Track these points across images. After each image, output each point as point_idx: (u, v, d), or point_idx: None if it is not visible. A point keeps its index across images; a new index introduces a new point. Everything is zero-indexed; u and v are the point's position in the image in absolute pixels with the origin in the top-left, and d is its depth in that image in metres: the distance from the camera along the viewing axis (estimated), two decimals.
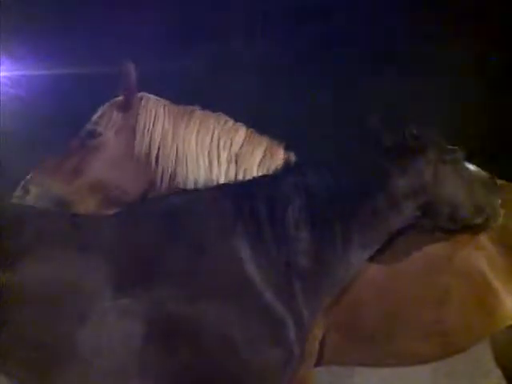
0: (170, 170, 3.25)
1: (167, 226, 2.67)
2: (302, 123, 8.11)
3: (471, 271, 3.33)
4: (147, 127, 3.26)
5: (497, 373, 3.90)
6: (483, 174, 3.18)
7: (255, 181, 2.99)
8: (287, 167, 2.95)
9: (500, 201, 3.15)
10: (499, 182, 3.75)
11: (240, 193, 2.77)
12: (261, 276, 2.59)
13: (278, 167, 3.01)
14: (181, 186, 3.23)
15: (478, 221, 3.09)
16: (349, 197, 2.78)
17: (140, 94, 3.36)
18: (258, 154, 3.32)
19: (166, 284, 2.53)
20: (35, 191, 3.17)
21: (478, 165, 3.21)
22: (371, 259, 3.07)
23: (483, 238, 3.36)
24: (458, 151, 3.09)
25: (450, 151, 3.05)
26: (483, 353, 4.24)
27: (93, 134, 3.26)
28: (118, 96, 3.39)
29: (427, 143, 2.98)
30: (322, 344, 3.20)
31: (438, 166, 2.97)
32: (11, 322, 2.42)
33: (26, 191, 3.17)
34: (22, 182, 3.21)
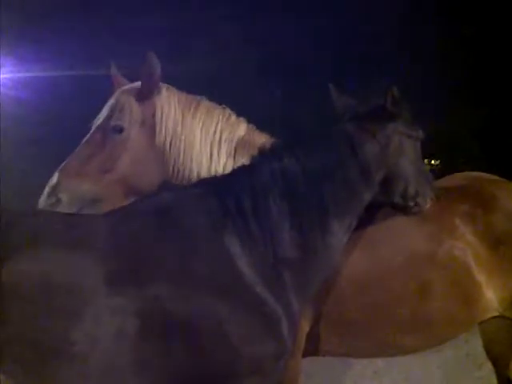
0: (179, 160, 3.27)
1: (159, 225, 2.68)
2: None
3: (454, 264, 3.38)
4: (164, 117, 3.27)
5: (489, 365, 3.93)
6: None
7: (235, 173, 2.96)
8: (262, 154, 2.93)
9: (432, 193, 3.12)
10: (493, 177, 3.79)
11: (224, 188, 2.78)
12: (252, 271, 2.61)
13: (253, 154, 2.97)
14: (186, 176, 3.25)
15: (409, 204, 3.05)
16: (322, 174, 2.78)
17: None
18: (256, 150, 3.31)
19: (160, 282, 2.54)
20: (66, 198, 3.14)
21: None
22: (353, 254, 3.14)
23: (468, 232, 3.42)
24: (420, 131, 3.07)
25: (414, 128, 3.04)
26: (475, 345, 4.28)
27: (117, 130, 3.25)
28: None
29: (402, 111, 2.97)
30: (308, 336, 3.25)
31: (403, 137, 2.97)
32: (6, 321, 2.42)
33: (58, 200, 3.14)
34: (48, 189, 3.15)
